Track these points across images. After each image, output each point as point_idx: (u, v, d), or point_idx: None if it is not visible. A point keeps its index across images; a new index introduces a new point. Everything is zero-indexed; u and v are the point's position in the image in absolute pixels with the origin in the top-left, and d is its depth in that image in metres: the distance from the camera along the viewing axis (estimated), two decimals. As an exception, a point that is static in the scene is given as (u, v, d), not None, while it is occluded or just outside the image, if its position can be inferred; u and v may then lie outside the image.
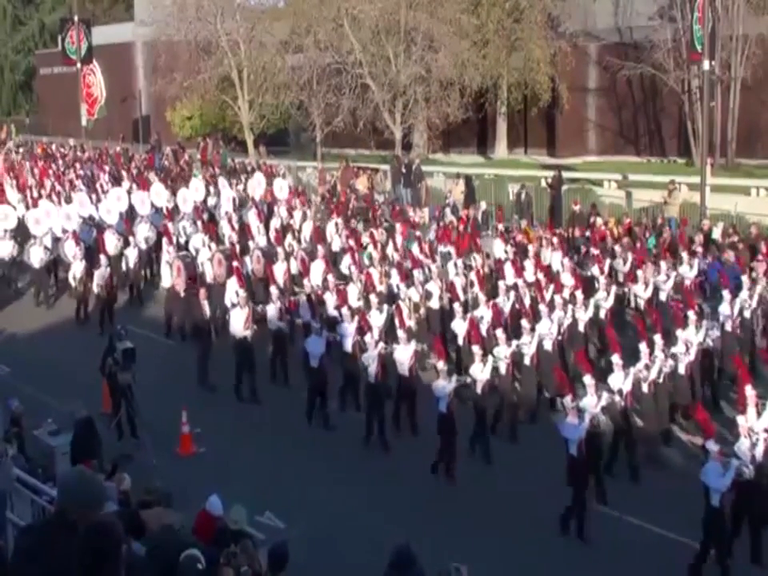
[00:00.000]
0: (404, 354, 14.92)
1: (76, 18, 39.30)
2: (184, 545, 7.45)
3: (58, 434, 13.26)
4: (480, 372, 14.07)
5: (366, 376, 14.92)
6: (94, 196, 26.11)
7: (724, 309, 16.22)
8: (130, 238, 22.60)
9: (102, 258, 20.82)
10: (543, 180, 29.40)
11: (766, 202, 25.99)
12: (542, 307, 16.39)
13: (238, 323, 16.74)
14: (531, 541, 11.91)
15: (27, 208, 25.12)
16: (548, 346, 15.65)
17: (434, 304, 18.21)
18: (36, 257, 22.44)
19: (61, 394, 15.42)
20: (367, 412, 14.89)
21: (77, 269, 21.17)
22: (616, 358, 13.76)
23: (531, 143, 38.19)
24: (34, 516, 7.77)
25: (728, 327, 16.04)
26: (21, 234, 23.76)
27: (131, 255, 22.16)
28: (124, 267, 22.12)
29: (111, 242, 22.27)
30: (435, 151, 37.85)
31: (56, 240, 22.89)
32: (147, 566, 6.45)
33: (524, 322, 15.58)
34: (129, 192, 25.54)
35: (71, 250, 21.79)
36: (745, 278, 17.33)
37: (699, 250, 19.70)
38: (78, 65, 39.31)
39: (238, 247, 20.97)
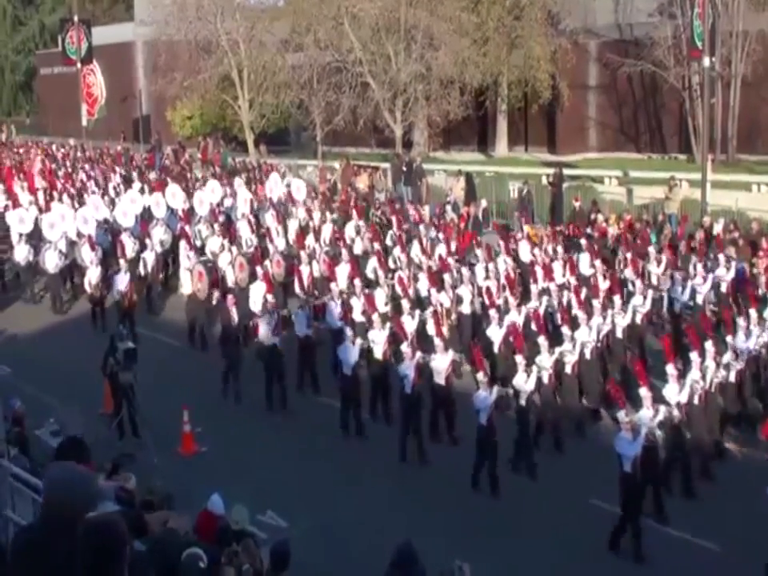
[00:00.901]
0: (441, 362, 14.37)
1: (76, 18, 39.29)
2: (185, 543, 7.45)
3: (60, 435, 13.24)
4: (524, 383, 13.47)
5: (402, 386, 14.16)
6: (106, 198, 25.66)
7: None
8: (147, 241, 21.83)
9: (122, 263, 20.14)
10: (544, 177, 29.40)
11: (767, 197, 25.99)
12: (580, 313, 15.54)
13: (266, 330, 16.20)
14: (537, 542, 11.86)
15: (40, 211, 24.53)
16: (587, 353, 15.04)
17: (466, 309, 17.46)
18: (51, 262, 21.82)
19: (62, 394, 15.43)
20: (402, 423, 14.20)
21: (92, 274, 20.54)
22: (671, 369, 13.09)
23: (532, 141, 38.15)
24: (35, 515, 7.77)
25: None
26: (34, 238, 23.12)
27: (149, 259, 21.34)
28: (142, 271, 21.24)
29: (128, 246, 21.69)
30: (436, 149, 37.77)
31: (71, 244, 22.37)
32: (148, 564, 6.44)
33: (565, 329, 14.89)
34: (140, 192, 25.21)
35: (88, 255, 21.20)
36: None
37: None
38: (78, 65, 39.28)
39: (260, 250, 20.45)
